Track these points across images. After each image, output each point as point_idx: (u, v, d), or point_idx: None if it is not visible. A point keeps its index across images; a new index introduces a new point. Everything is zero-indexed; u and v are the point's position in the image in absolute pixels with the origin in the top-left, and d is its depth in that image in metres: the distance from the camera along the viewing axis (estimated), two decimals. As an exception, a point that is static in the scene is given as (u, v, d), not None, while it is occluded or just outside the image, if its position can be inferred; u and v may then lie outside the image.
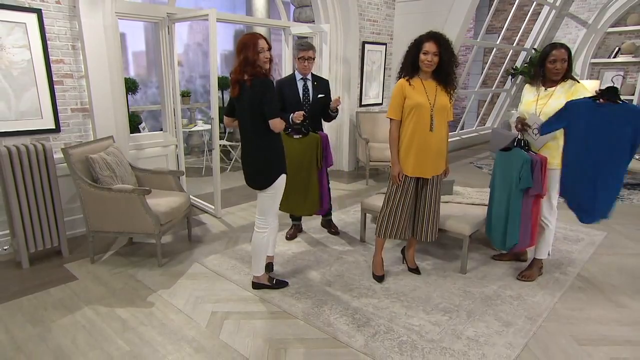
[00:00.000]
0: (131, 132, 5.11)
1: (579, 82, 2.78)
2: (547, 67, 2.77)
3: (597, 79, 8.30)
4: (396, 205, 2.90)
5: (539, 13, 8.42)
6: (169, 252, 3.50)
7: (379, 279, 3.07)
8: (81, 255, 3.39)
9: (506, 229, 2.93)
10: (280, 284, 2.95)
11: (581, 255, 3.52)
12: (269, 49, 2.55)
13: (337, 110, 3.53)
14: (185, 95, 6.89)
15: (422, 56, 2.65)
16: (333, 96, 3.53)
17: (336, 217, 4.33)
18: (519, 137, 2.90)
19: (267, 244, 2.81)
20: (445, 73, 2.68)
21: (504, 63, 8.90)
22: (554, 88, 2.81)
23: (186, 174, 5.57)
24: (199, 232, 3.95)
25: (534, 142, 2.86)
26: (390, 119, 2.83)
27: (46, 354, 2.26)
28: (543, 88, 2.87)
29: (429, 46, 2.62)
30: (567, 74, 2.77)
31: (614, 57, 8.12)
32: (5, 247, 3.39)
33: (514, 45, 8.63)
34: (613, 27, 8.08)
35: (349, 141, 6.30)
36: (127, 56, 7.16)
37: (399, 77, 2.81)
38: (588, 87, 2.73)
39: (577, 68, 8.43)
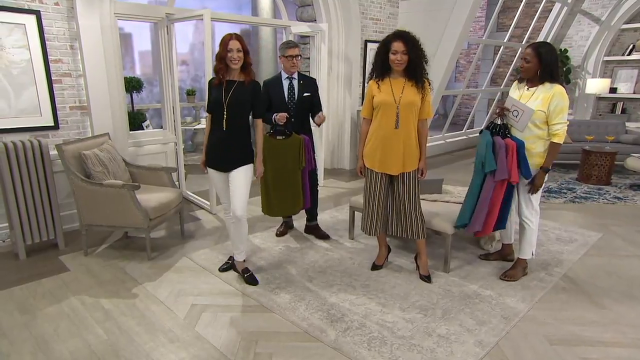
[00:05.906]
0: (135, 130, 5.27)
1: (561, 85, 2.76)
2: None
3: (610, 77, 8.09)
4: (371, 200, 2.98)
5: (550, 10, 8.26)
6: (160, 246, 3.60)
7: (373, 267, 3.22)
8: (76, 248, 3.52)
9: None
10: (250, 281, 2.99)
11: (571, 256, 3.47)
12: (240, 50, 2.65)
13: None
14: (190, 93, 7.02)
15: (391, 56, 2.70)
16: (321, 94, 3.56)
17: (329, 215, 4.37)
18: (496, 121, 2.91)
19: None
20: (413, 70, 2.71)
21: (513, 61, 8.75)
22: (535, 88, 2.80)
23: (189, 171, 5.70)
24: (192, 227, 4.04)
25: (516, 125, 2.85)
26: (363, 117, 2.95)
27: (28, 340, 2.36)
28: (526, 87, 2.87)
29: (397, 45, 2.66)
30: (542, 76, 2.75)
31: (629, 54, 7.90)
32: (4, 240, 3.54)
33: (523, 43, 8.49)
34: (628, 23, 7.87)
35: (350, 140, 6.32)
36: (134, 55, 7.34)
37: (370, 78, 2.88)
38: (564, 93, 2.71)
39: (590, 66, 8.24)
